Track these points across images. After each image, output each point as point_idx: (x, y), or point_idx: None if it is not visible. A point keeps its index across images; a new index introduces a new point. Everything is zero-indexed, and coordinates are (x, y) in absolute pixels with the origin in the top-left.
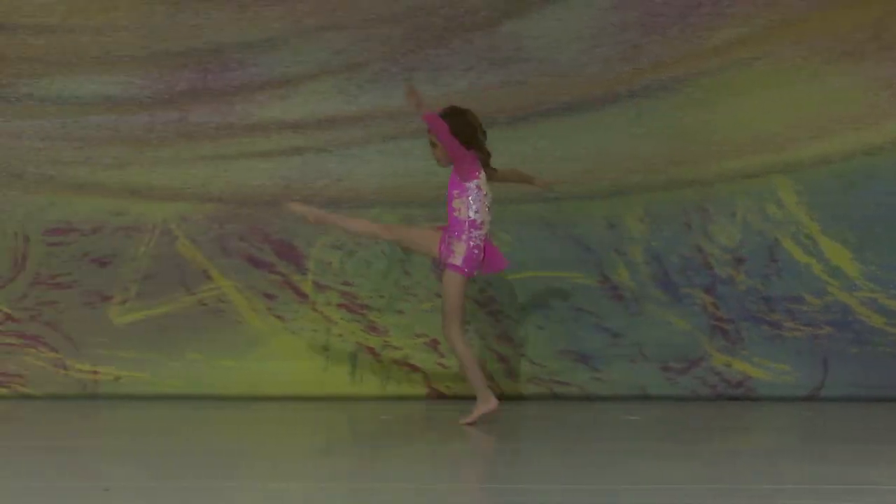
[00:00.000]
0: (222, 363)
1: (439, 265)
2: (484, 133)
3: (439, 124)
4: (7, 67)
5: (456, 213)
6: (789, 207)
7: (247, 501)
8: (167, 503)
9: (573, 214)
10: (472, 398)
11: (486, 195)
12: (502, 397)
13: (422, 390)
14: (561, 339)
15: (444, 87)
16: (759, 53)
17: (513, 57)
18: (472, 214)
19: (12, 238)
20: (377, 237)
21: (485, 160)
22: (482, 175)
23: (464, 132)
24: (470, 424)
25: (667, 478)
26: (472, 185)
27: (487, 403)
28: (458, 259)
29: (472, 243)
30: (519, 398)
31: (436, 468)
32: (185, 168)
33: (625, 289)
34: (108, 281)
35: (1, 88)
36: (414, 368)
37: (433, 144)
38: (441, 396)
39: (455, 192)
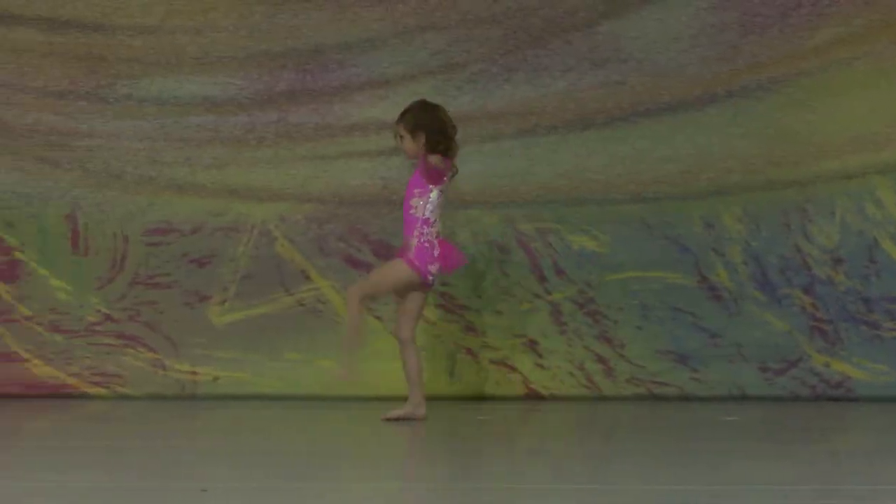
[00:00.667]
0: (321, 363)
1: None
2: (454, 128)
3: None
4: (106, 68)
5: (412, 211)
6: (888, 207)
7: (345, 502)
8: None
9: (672, 214)
10: (563, 398)
11: (443, 200)
12: (602, 398)
13: (520, 391)
14: (659, 340)
15: (542, 87)
16: (858, 53)
17: (612, 57)
18: (427, 213)
19: (111, 239)
20: (362, 301)
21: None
22: (446, 182)
23: (438, 130)
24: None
25: (765, 478)
26: (435, 188)
27: (354, 373)
28: (410, 252)
29: (422, 239)
30: (618, 399)
31: (534, 468)
32: (285, 168)
33: (723, 289)
34: (207, 281)
35: (100, 89)
36: (512, 369)
37: (401, 137)
38: (539, 397)
39: (416, 190)
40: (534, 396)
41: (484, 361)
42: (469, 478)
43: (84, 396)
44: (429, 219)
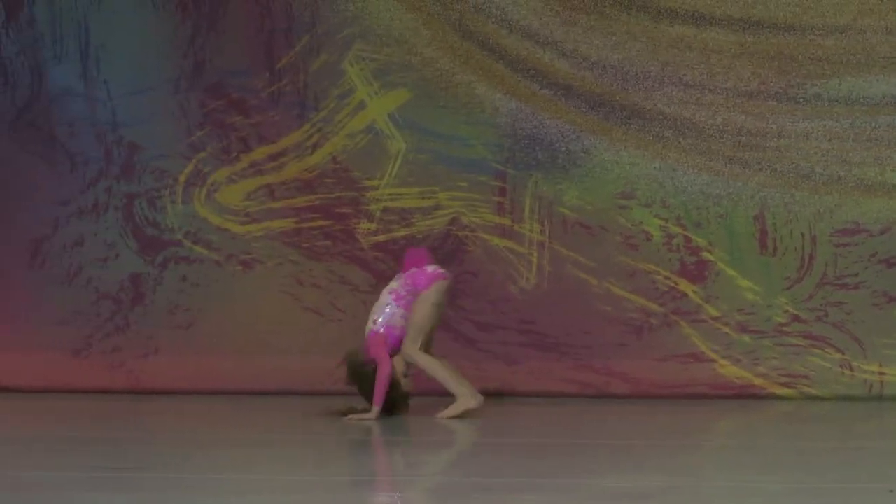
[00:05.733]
0: None
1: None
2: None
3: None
4: (797, 68)
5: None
6: None
7: None
8: None
9: None
10: None
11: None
12: None
13: None
14: None
15: None
16: None
17: None
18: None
19: (799, 238)
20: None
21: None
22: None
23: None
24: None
25: None
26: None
27: (468, 401)
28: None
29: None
30: None
31: None
32: None
33: None
34: (895, 282)
35: (790, 89)
36: None
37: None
38: None
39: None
40: None
41: None
42: None
43: (771, 397)
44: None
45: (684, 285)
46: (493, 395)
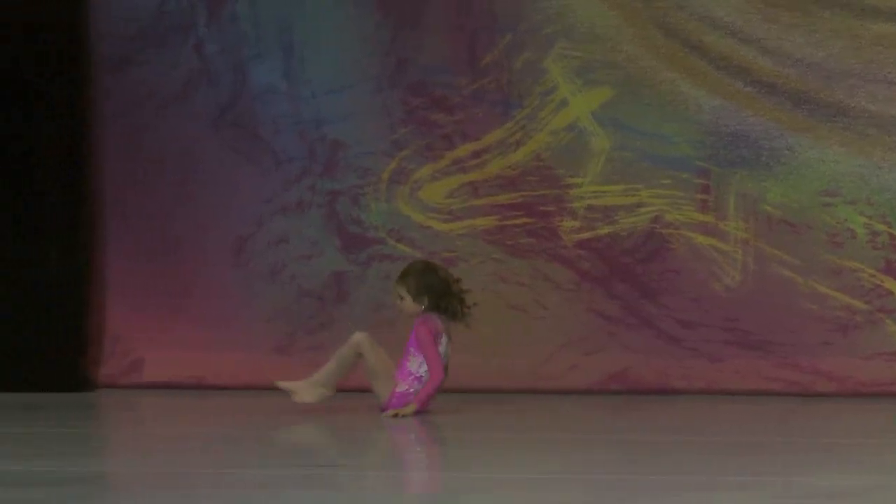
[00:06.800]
0: None
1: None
2: (458, 282)
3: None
4: None
5: (409, 365)
6: None
7: None
8: None
9: None
10: None
11: (450, 350)
12: None
13: None
14: None
15: None
16: None
17: None
18: (422, 373)
19: None
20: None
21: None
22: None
23: (442, 292)
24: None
25: None
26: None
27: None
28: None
29: (409, 389)
30: None
31: None
32: None
33: None
34: None
35: None
36: None
37: (401, 298)
38: None
39: (412, 349)
40: None
41: None
42: None
43: None
44: (423, 377)
45: (889, 283)
46: (696, 393)
